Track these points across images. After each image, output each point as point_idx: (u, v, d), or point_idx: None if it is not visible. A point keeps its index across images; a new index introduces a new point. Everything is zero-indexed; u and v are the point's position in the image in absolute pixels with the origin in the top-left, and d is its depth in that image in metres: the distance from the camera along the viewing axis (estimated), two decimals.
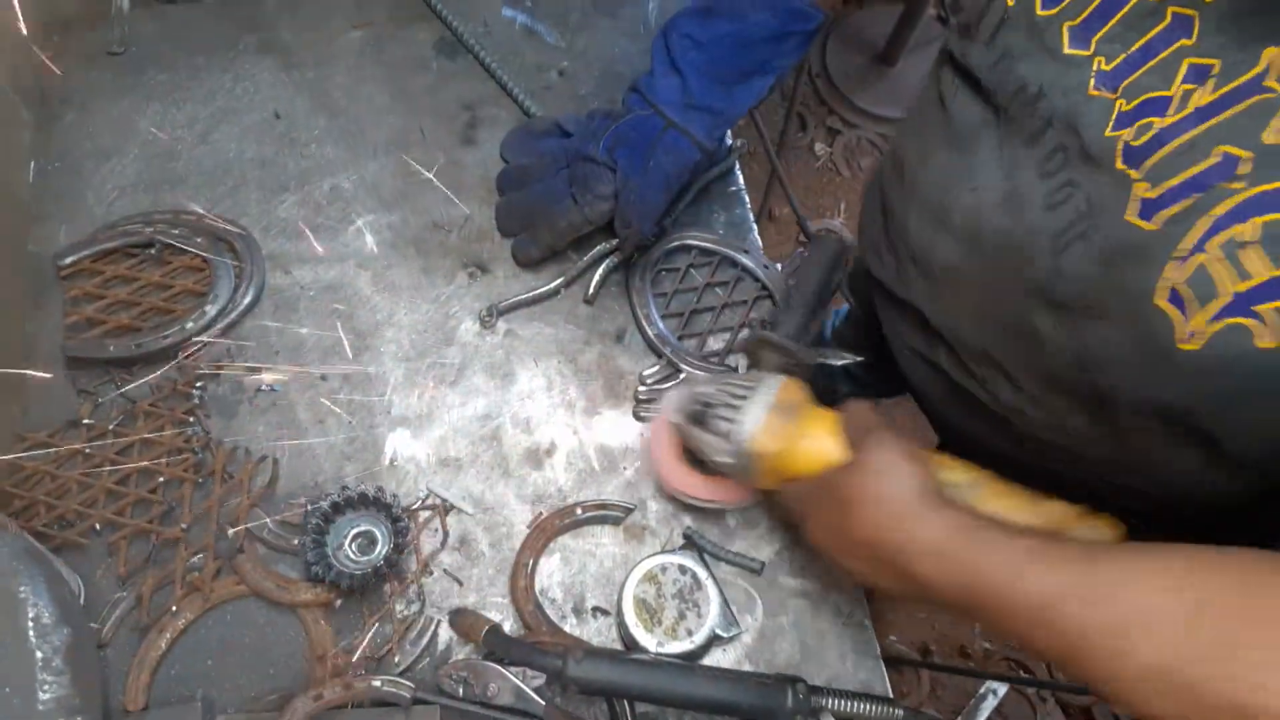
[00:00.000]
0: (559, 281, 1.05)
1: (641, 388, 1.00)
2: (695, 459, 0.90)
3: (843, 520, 0.73)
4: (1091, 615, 0.57)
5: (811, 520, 0.78)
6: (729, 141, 1.17)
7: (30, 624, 0.73)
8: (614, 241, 1.06)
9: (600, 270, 1.06)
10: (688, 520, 0.95)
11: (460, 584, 0.91)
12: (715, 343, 1.04)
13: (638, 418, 0.99)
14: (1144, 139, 0.62)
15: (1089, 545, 0.63)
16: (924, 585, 0.67)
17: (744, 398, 0.82)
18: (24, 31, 1.06)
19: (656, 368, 1.02)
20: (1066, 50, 0.68)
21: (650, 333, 1.03)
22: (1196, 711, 0.51)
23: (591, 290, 1.05)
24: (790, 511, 0.84)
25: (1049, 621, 0.59)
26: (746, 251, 1.09)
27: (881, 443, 0.73)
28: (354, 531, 0.90)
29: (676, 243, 1.09)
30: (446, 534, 0.93)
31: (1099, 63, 0.66)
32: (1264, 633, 0.51)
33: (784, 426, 0.80)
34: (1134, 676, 0.54)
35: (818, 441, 0.80)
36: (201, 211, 1.07)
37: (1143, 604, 0.55)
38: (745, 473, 0.84)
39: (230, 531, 0.90)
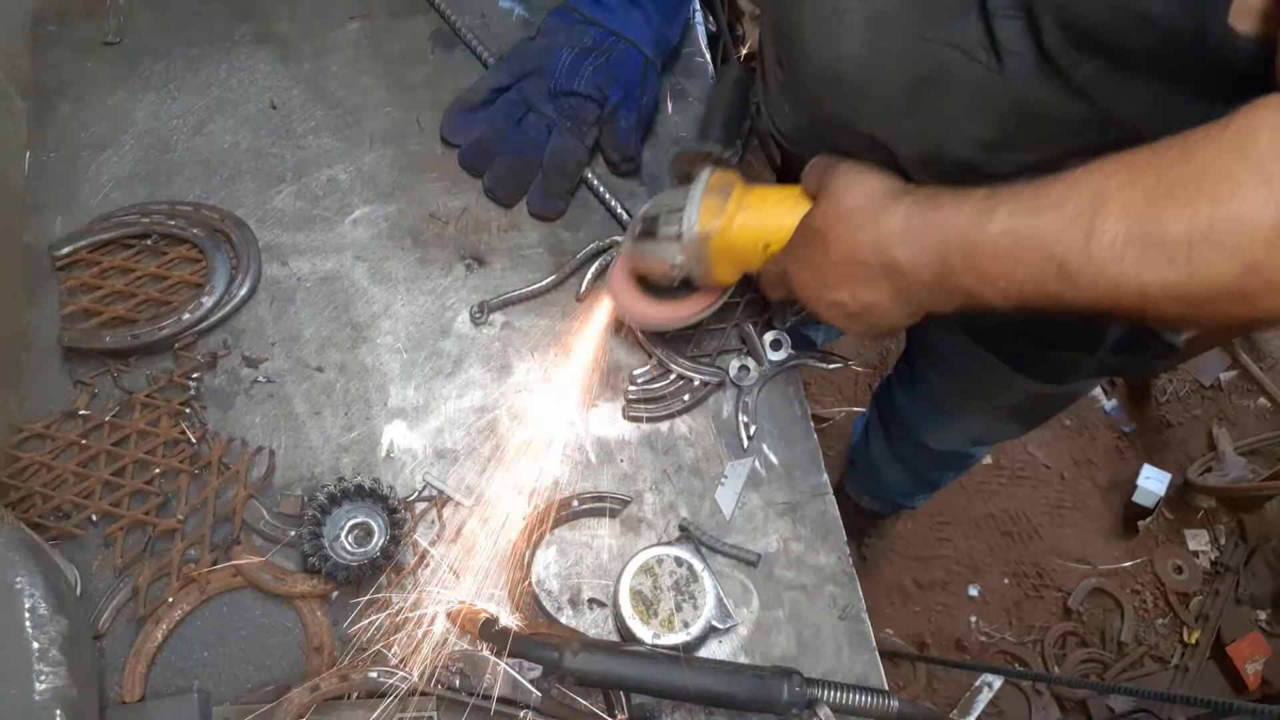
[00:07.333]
0: (551, 279, 1.05)
1: (632, 387, 1.00)
2: (652, 289, 0.94)
3: (821, 250, 0.75)
4: (1056, 217, 0.60)
5: (796, 272, 0.79)
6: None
7: (27, 615, 0.73)
8: (607, 240, 1.06)
9: (593, 268, 1.06)
10: (684, 512, 0.95)
11: (457, 576, 0.91)
12: (707, 343, 1.03)
13: (627, 417, 0.99)
14: None
15: (1031, 181, 0.63)
16: (906, 272, 0.69)
17: (682, 204, 0.86)
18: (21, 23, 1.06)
19: (647, 367, 1.01)
20: None
21: (640, 333, 1.02)
22: (1166, 254, 0.55)
23: (584, 288, 1.05)
24: (775, 284, 0.85)
25: (1021, 240, 0.62)
26: None
27: (839, 170, 0.76)
28: (350, 523, 0.90)
29: None
30: (443, 526, 0.93)
31: None
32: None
33: (720, 204, 0.85)
34: (1109, 245, 0.57)
35: (759, 207, 0.84)
36: (198, 202, 1.07)
37: (1096, 189, 0.58)
38: (701, 265, 0.87)
39: (227, 523, 0.90)
